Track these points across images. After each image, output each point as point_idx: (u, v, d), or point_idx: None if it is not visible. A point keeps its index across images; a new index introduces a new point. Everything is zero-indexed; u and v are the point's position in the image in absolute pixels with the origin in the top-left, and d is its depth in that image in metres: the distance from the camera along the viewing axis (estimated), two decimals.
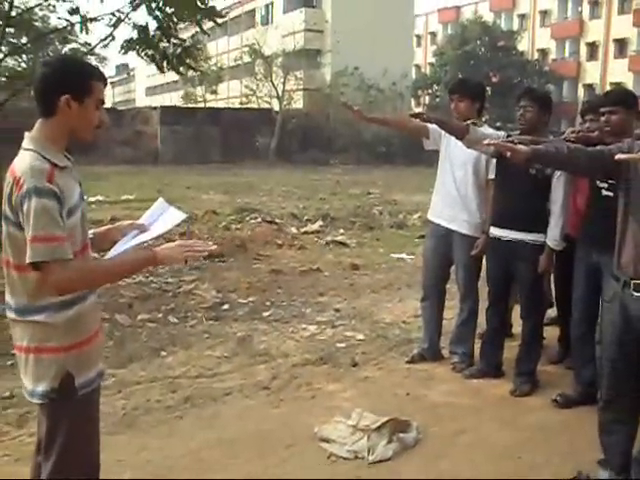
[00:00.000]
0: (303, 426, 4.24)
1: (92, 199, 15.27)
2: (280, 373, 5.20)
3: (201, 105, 45.37)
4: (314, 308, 7.09)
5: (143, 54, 9.27)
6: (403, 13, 46.72)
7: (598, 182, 4.31)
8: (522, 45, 51.30)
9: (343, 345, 5.89)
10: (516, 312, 5.48)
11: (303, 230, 12.12)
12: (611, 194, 4.03)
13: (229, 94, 50.49)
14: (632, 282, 3.24)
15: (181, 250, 2.50)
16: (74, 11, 8.63)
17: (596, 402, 3.68)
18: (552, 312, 5.90)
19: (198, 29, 10.10)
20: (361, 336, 6.15)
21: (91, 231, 2.66)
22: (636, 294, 3.23)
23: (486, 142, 3.36)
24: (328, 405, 4.62)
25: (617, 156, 2.72)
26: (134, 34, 8.92)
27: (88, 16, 8.74)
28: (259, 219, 12.82)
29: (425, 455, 3.97)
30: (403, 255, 10.21)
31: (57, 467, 2.49)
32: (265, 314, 6.79)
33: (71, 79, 2.40)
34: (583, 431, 4.06)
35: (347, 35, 40.06)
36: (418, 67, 58.23)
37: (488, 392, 4.95)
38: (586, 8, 52.84)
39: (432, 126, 5.03)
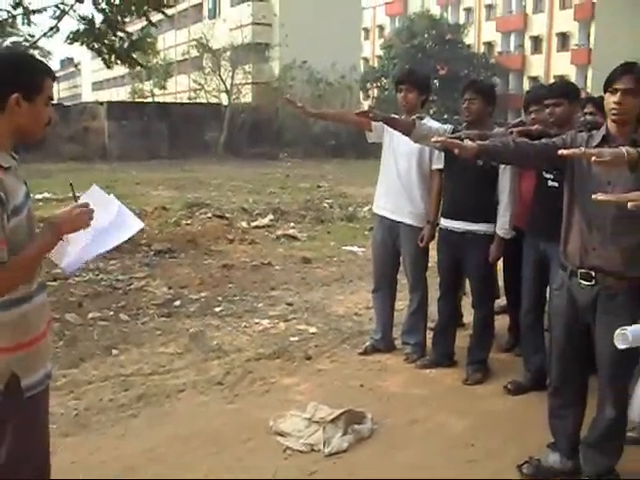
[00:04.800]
0: (258, 421, 4.23)
1: (39, 196, 14.97)
2: (234, 368, 5.18)
3: (149, 100, 44.82)
4: (266, 302, 7.08)
5: (90, 47, 9.13)
6: (351, 6, 46.76)
7: (544, 173, 4.41)
8: (469, 38, 52.03)
9: (296, 339, 5.90)
10: (466, 302, 5.56)
11: (254, 224, 12.07)
12: (557, 184, 4.11)
13: (177, 89, 50.00)
14: (579, 271, 3.31)
15: (83, 217, 2.47)
16: (17, 4, 8.45)
17: (546, 388, 3.76)
18: (502, 301, 6.00)
19: (145, 22, 9.95)
20: (314, 329, 6.17)
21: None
22: (583, 283, 3.31)
23: (434, 139, 3.40)
24: (283, 399, 4.63)
25: (560, 151, 2.77)
26: (80, 27, 8.78)
27: (31, 8, 8.57)
28: (209, 214, 12.72)
29: (380, 446, 4.01)
30: (354, 247, 10.25)
31: (4, 470, 2.44)
32: (217, 309, 6.76)
33: (22, 77, 2.33)
34: (534, 416, 4.14)
35: (295, 28, 39.98)
36: (366, 60, 58.46)
37: (441, 381, 5.02)
38: (529, 2, 53.78)
39: None
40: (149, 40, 10.44)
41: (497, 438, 4.11)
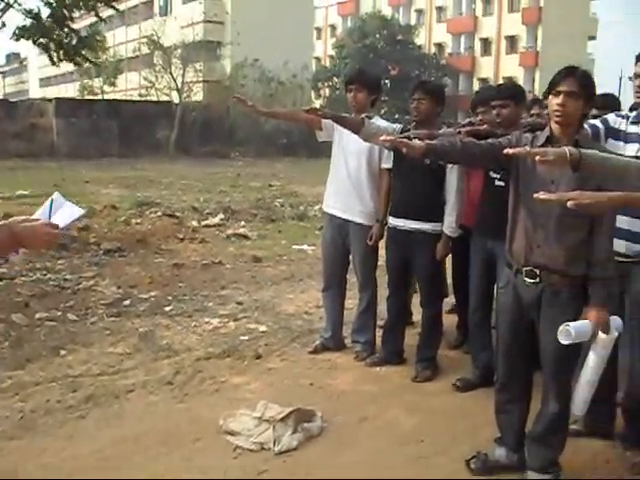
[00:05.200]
0: (208, 420, 4.22)
1: None
2: (184, 368, 5.15)
3: (99, 97, 44.18)
4: (216, 301, 7.05)
5: (37, 43, 8.94)
6: (303, 5, 46.81)
7: (491, 172, 4.49)
8: (420, 39, 52.58)
9: (246, 337, 5.89)
10: (415, 300, 5.61)
11: (204, 223, 11.99)
12: (503, 184, 4.18)
13: (127, 86, 49.39)
14: (524, 269, 3.38)
15: (48, 238, 2.30)
16: None
17: (493, 384, 3.82)
18: (451, 299, 6.08)
19: (94, 18, 9.79)
20: (264, 328, 6.16)
21: None
22: (528, 280, 3.37)
23: (382, 138, 3.43)
24: (233, 398, 4.62)
25: (505, 150, 2.83)
26: (27, 21, 8.59)
27: None
28: (159, 213, 12.61)
29: (330, 443, 4.02)
30: (304, 246, 10.27)
31: None
32: (167, 309, 6.70)
33: None
34: (482, 412, 4.20)
35: (247, 27, 39.86)
36: (318, 59, 58.57)
37: (391, 379, 5.06)
38: (479, 5, 54.58)
39: None
40: (98, 37, 10.27)
41: (446, 434, 4.17)
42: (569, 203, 2.16)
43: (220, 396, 4.69)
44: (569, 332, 3.11)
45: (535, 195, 2.37)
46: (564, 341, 3.14)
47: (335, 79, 46.12)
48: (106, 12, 11.04)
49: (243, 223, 12.33)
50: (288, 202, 15.45)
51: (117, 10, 10.11)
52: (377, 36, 48.13)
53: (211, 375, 5.03)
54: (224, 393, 4.74)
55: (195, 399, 4.63)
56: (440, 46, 56.74)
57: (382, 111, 36.87)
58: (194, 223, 11.92)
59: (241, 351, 5.54)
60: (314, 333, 5.94)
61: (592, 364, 3.28)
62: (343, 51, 48.47)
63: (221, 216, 12.71)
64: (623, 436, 4.01)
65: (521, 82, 41.71)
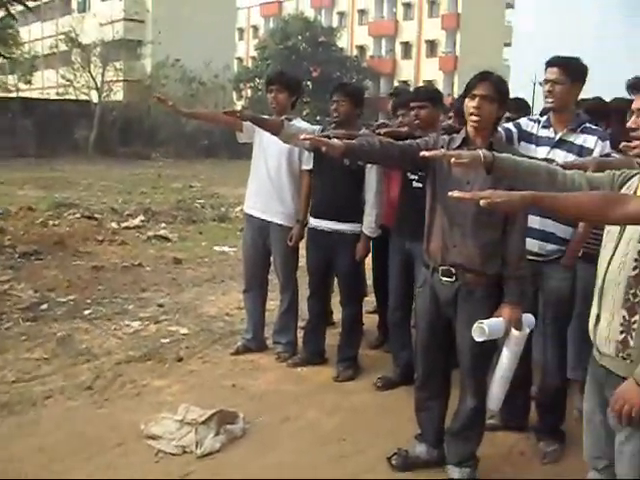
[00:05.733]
0: (129, 425, 4.16)
1: None
2: (103, 372, 5.06)
3: (13, 95, 42.85)
4: (137, 304, 6.95)
5: None
6: (225, 5, 46.62)
7: (409, 174, 4.57)
8: (342, 42, 52.93)
9: (167, 340, 5.83)
10: (336, 300, 5.66)
11: (124, 225, 11.79)
12: (421, 185, 4.27)
13: (44, 84, 48.08)
14: (440, 268, 3.46)
15: None
16: None
17: (413, 382, 3.89)
18: (372, 299, 6.15)
19: (5, 12, 9.48)
20: (185, 330, 6.12)
21: None
22: (444, 279, 3.46)
23: (302, 137, 3.45)
24: (154, 401, 4.57)
25: (422, 153, 2.89)
26: None
27: None
28: (78, 215, 12.34)
29: (253, 445, 4.03)
30: (225, 248, 10.23)
31: None
32: (86, 312, 6.57)
33: None
34: (403, 410, 4.27)
35: (169, 26, 39.37)
36: (240, 60, 58.35)
37: (312, 379, 5.10)
38: (400, 9, 55.44)
39: None
40: (10, 31, 9.93)
41: (368, 432, 4.23)
42: (482, 202, 2.22)
43: (141, 400, 4.63)
44: (483, 329, 3.20)
45: (449, 193, 2.43)
46: (478, 338, 3.22)
47: (257, 80, 46.02)
48: (18, 7, 10.67)
49: (164, 225, 12.18)
50: (209, 203, 15.37)
51: (28, 8, 9.76)
52: (299, 38, 48.26)
53: (132, 379, 4.96)
54: (145, 397, 4.69)
55: (116, 404, 4.56)
56: (362, 49, 57.32)
57: (304, 112, 36.95)
58: (114, 225, 11.72)
59: (162, 354, 5.48)
60: (235, 335, 5.93)
61: (505, 360, 3.39)
62: (265, 52, 48.42)
63: (141, 218, 12.52)
64: (537, 428, 4.17)
65: (440, 85, 42.70)
